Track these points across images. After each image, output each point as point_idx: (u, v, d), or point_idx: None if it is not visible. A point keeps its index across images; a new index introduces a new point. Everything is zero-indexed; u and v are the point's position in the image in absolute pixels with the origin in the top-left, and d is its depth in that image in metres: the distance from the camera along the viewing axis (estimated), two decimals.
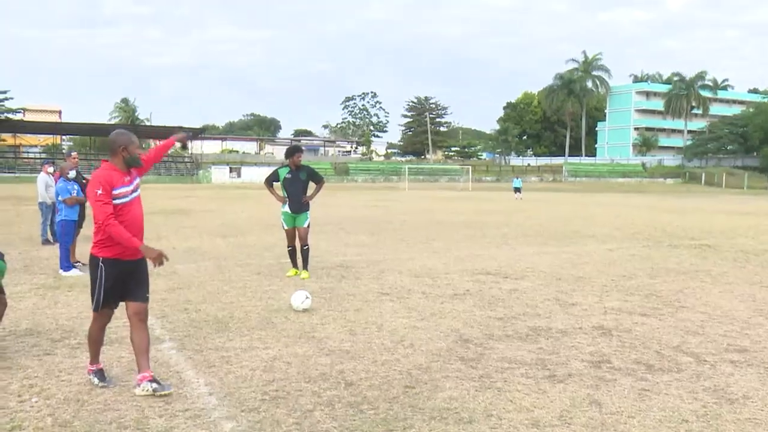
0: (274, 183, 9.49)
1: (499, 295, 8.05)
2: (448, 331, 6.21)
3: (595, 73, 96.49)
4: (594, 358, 5.39)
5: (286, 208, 9.24)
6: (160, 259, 4.49)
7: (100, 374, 4.64)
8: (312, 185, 9.52)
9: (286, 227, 9.33)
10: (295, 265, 9.34)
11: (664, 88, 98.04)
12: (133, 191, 4.57)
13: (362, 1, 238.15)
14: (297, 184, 9.18)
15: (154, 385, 4.39)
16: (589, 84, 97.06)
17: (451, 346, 5.70)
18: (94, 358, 4.69)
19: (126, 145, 4.53)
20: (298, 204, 9.19)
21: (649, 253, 12.66)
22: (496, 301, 7.73)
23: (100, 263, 4.46)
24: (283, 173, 9.25)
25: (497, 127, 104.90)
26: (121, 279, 4.50)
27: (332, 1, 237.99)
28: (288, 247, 9.42)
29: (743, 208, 31.50)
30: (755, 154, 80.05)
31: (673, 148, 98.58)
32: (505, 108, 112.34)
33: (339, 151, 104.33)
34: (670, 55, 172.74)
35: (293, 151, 9.33)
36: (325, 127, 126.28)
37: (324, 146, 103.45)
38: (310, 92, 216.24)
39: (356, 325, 6.41)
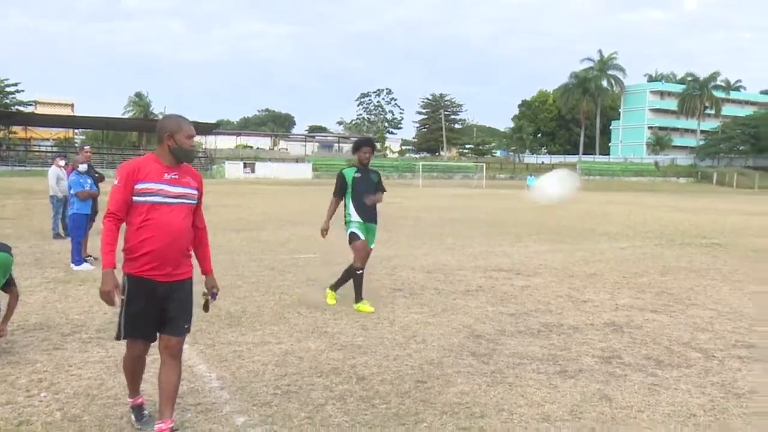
0: (343, 191, 7.19)
1: (511, 292, 8.07)
2: (460, 327, 6.25)
3: (610, 72, 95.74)
4: (605, 354, 5.41)
5: (356, 216, 7.09)
6: (105, 297, 3.50)
7: (138, 411, 3.87)
8: None
9: (360, 237, 7.06)
10: (360, 296, 7.05)
11: (678, 88, 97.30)
12: (178, 196, 3.60)
13: (382, 1, 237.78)
14: (370, 185, 7.15)
15: None
16: (604, 83, 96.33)
17: (463, 342, 5.74)
18: (133, 391, 3.90)
19: (173, 132, 3.60)
20: (372, 210, 7.21)
21: (661, 251, 12.62)
22: (508, 297, 7.75)
23: (124, 279, 3.58)
24: (350, 173, 7.17)
25: (512, 124, 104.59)
26: (154, 304, 3.59)
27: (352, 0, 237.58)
28: (357, 269, 7.06)
29: (754, 207, 31.27)
30: (767, 154, 79.39)
31: (686, 147, 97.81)
32: (520, 106, 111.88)
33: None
34: (685, 55, 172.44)
35: (361, 144, 7.29)
36: (340, 123, 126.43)
37: (338, 142, 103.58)
38: (326, 88, 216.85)
39: (369, 321, 6.46)
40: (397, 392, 4.44)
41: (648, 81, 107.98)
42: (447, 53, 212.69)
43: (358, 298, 7.05)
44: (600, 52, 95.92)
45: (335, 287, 7.30)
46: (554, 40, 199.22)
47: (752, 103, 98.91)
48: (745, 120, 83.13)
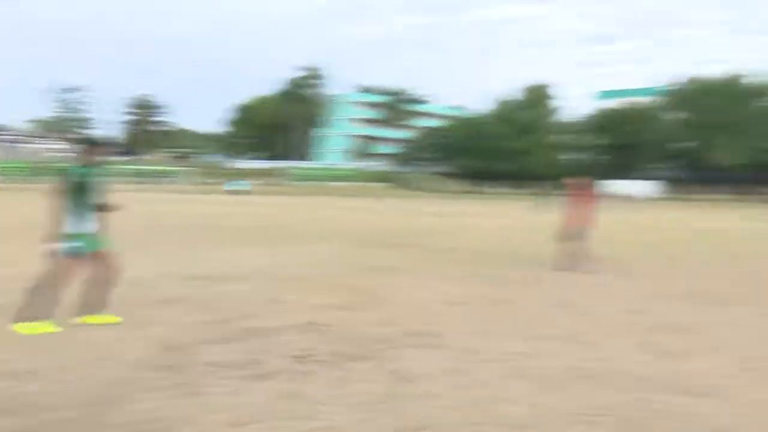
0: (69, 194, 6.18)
1: (213, 299, 7.88)
2: (153, 340, 5.87)
3: (321, 81, 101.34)
4: (300, 353, 5.55)
5: (84, 226, 6.25)
6: None
7: None
8: None
9: (85, 251, 6.27)
10: (41, 317, 6.17)
11: (382, 100, 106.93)
12: None
13: None
14: (102, 189, 6.47)
15: None
16: (316, 91, 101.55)
17: (153, 356, 5.40)
18: None
19: None
20: (104, 216, 6.55)
21: (361, 252, 13.58)
22: (209, 304, 7.54)
23: None
24: (82, 174, 6.25)
25: (225, 129, 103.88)
26: None
27: None
28: (56, 288, 6.27)
29: (442, 209, 35.77)
30: (454, 161, 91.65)
31: (387, 155, 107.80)
32: (234, 111, 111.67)
33: (43, 149, 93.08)
34: (394, 69, 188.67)
35: (99, 143, 6.55)
36: (27, 121, 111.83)
37: (24, 142, 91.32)
38: (10, 82, 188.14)
39: (47, 342, 5.72)
40: (70, 418, 3.98)
41: (355, 92, 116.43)
42: (155, 53, 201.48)
43: (37, 318, 6.19)
44: (313, 61, 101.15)
45: (86, 311, 6.44)
46: (267, 45, 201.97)
47: (445, 116, 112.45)
48: (437, 131, 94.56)
